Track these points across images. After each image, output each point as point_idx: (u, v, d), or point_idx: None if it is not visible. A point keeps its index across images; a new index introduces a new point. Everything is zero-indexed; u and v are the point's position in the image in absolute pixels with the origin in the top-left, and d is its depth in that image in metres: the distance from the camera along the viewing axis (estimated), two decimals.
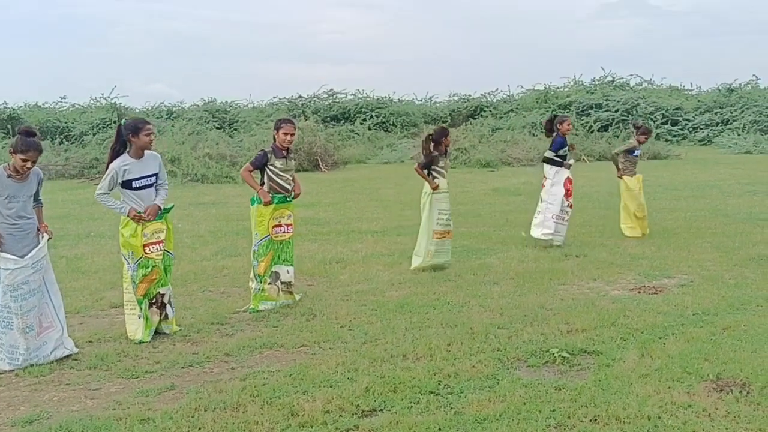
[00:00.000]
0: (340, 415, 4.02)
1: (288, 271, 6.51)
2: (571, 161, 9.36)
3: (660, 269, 7.75)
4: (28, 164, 4.94)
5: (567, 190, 9.17)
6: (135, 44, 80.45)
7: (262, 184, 6.46)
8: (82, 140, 29.50)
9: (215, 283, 7.44)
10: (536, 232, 9.14)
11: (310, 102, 36.90)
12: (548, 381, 4.50)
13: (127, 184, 5.48)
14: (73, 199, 15.79)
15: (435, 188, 7.91)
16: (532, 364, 4.84)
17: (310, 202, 14.87)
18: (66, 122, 33.75)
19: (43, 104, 37.69)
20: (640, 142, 10.08)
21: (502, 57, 75.84)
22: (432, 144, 8.02)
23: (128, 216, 5.45)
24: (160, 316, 5.64)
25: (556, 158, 9.23)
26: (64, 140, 30.02)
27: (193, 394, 4.35)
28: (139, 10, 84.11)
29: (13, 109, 34.29)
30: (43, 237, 5.13)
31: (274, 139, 6.53)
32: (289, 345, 5.32)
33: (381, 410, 4.11)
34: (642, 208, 9.91)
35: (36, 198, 5.23)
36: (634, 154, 10.08)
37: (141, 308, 5.48)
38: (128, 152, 5.54)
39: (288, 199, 6.52)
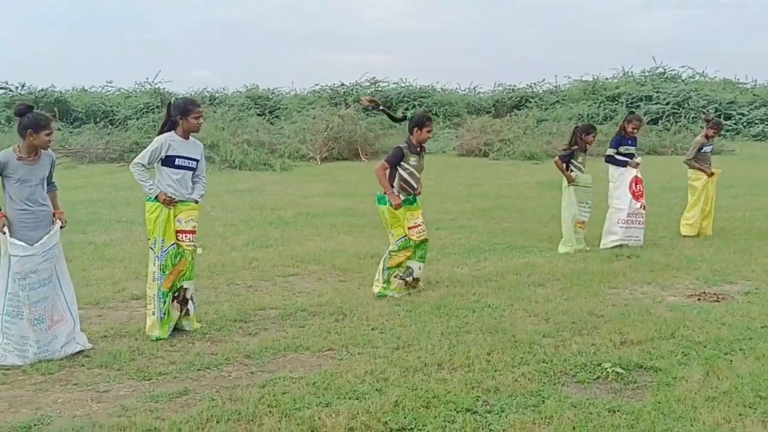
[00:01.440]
0: None
1: (420, 267, 6.54)
2: (638, 159, 8.75)
3: (720, 274, 7.14)
4: (52, 137, 4.71)
5: (635, 193, 8.54)
6: (180, 30, 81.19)
7: (391, 182, 6.35)
8: (126, 124, 29.72)
9: (242, 276, 7.08)
10: (604, 241, 8.57)
11: (352, 90, 36.46)
12: (600, 401, 4.00)
13: (169, 161, 5.19)
14: (110, 183, 15.72)
15: (571, 181, 8.26)
16: (581, 379, 4.34)
17: (347, 192, 14.51)
18: (111, 106, 34.10)
19: (89, 88, 38.14)
20: (708, 137, 9.36)
21: (550, 47, 74.19)
22: (575, 138, 8.39)
23: (157, 199, 5.12)
24: (181, 311, 5.31)
25: (619, 157, 8.61)
26: (108, 124, 30.32)
27: (207, 402, 3.98)
28: None
29: (61, 93, 34.77)
30: (55, 224, 4.80)
31: (410, 135, 6.40)
32: (314, 348, 4.91)
33: (411, 429, 3.67)
34: (708, 202, 9.27)
35: (49, 181, 4.93)
36: (704, 150, 9.38)
37: (164, 302, 5.15)
38: (176, 131, 5.26)
39: (413, 200, 6.47)
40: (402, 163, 6.32)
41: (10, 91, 33.37)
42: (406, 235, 6.37)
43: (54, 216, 4.84)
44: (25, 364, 4.57)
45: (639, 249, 8.36)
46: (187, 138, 5.30)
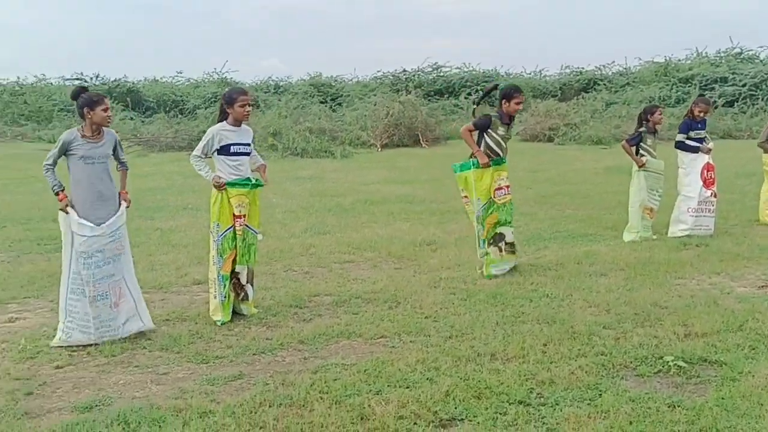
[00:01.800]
0: (415, 423, 3.57)
1: (512, 232, 6.59)
2: (710, 144, 8.37)
3: None
4: (110, 113, 4.85)
5: (706, 180, 8.18)
6: (247, 20, 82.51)
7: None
8: (195, 113, 30.51)
9: (300, 263, 7.16)
10: (672, 229, 8.27)
11: (414, 76, 36.32)
12: (660, 395, 3.86)
13: (225, 150, 5.31)
14: (178, 171, 16.15)
15: (641, 166, 7.97)
16: (641, 373, 4.19)
17: (407, 178, 14.48)
18: (181, 96, 35.04)
19: (160, 78, 39.27)
20: None
21: (619, 28, 71.86)
22: (640, 121, 8.15)
23: (212, 181, 5.24)
24: (239, 296, 5.41)
25: (689, 142, 8.26)
26: (178, 113, 31.19)
27: (260, 386, 4.04)
28: None
29: (133, 83, 35.94)
30: (122, 204, 4.95)
31: (482, 99, 6.91)
32: (367, 335, 4.92)
33: (461, 420, 3.63)
34: None
35: (119, 160, 5.11)
36: None
37: (225, 286, 5.25)
38: (227, 121, 5.38)
39: (502, 160, 6.49)
40: (489, 130, 6.41)
41: (85, 81, 34.68)
42: (490, 198, 6.41)
43: (119, 196, 4.99)
44: (90, 341, 4.74)
45: (708, 238, 8.02)
46: (239, 126, 5.40)
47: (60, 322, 4.81)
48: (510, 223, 6.61)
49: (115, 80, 34.96)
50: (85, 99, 4.82)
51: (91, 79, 34.98)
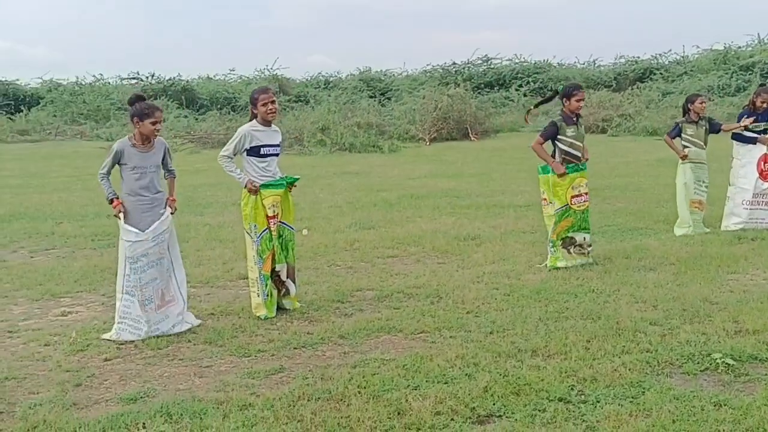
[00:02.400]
0: (452, 419, 3.55)
1: (585, 238, 6.61)
2: None
3: None
4: (158, 126, 4.91)
5: (763, 172, 7.88)
6: (298, 16, 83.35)
7: (553, 154, 6.49)
8: (247, 110, 30.92)
9: (343, 258, 7.21)
10: (725, 223, 8.01)
11: (463, 69, 36.07)
12: (706, 394, 3.74)
13: (254, 151, 5.34)
14: None
15: (683, 158, 7.85)
16: (687, 370, 4.07)
17: (454, 172, 14.41)
18: (233, 93, 35.63)
19: (213, 76, 40.03)
20: None
21: (676, 14, 69.74)
22: (684, 111, 8.03)
23: (245, 187, 5.29)
24: (280, 292, 5.48)
25: (747, 133, 7.96)
26: (230, 110, 31.74)
27: (300, 380, 4.09)
28: None
29: (187, 81, 36.70)
30: (166, 210, 5.06)
31: (540, 103, 6.98)
32: (408, 330, 4.92)
33: (499, 416, 3.59)
34: None
35: (167, 168, 5.19)
36: None
37: (266, 285, 5.32)
38: (257, 120, 5.41)
39: (581, 166, 6.51)
40: (559, 136, 6.42)
41: (142, 80, 35.63)
42: (567, 204, 6.43)
43: (167, 202, 5.10)
44: (139, 338, 4.88)
45: (764, 231, 7.72)
46: (269, 126, 5.40)
47: (115, 321, 4.96)
48: (586, 229, 6.62)
49: (169, 79, 35.78)
50: (137, 109, 4.91)
51: (147, 78, 35.89)
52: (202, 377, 4.24)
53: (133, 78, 36.16)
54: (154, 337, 4.87)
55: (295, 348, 4.67)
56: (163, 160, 5.12)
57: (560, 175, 6.37)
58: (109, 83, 36.95)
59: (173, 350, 4.71)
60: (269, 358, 4.50)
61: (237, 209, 10.39)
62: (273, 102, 5.36)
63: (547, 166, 6.47)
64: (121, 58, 72.11)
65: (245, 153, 5.36)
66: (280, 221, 5.41)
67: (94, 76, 37.78)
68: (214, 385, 4.09)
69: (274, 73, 36.96)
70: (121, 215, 4.90)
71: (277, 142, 5.49)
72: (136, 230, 4.87)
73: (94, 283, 6.40)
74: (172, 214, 5.12)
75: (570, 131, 6.44)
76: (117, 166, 4.98)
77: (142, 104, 4.95)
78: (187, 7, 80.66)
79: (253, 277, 5.37)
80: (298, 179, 5.61)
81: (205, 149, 22.34)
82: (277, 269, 5.42)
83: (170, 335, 4.93)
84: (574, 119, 6.49)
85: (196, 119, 29.70)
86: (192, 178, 14.47)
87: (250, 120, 5.45)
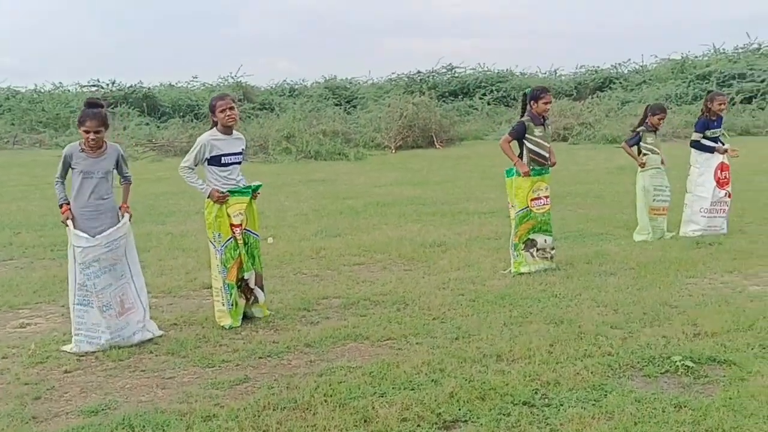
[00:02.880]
0: (418, 425, 3.56)
1: (546, 240, 6.69)
2: (727, 145, 8.24)
3: None
4: (90, 135, 4.74)
5: (720, 180, 8.06)
6: (262, 24, 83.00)
7: (520, 155, 6.60)
8: (210, 118, 30.66)
9: (309, 266, 7.18)
10: (683, 229, 8.17)
11: (428, 77, 36.30)
12: (666, 396, 3.82)
13: (215, 160, 5.27)
14: None
15: (642, 165, 7.94)
16: (648, 373, 4.16)
17: (419, 180, 14.47)
18: (196, 101, 35.22)
19: (176, 83, 39.55)
20: None
21: (635, 25, 71.29)
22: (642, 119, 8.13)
23: (210, 197, 5.23)
24: (248, 300, 5.43)
25: (705, 142, 8.14)
26: (193, 118, 31.37)
27: (265, 390, 4.05)
28: None
29: (149, 89, 36.15)
30: (123, 217, 4.98)
31: (524, 110, 6.71)
32: (374, 337, 4.92)
33: (464, 421, 3.61)
34: None
35: (123, 174, 5.11)
36: None
37: (231, 294, 5.26)
38: (217, 128, 5.33)
39: (545, 170, 6.62)
40: (527, 135, 6.55)
41: (102, 88, 35.01)
42: (527, 207, 6.53)
43: (120, 210, 5.00)
44: (99, 348, 4.78)
45: (722, 236, 7.92)
46: (230, 133, 5.35)
47: (72, 333, 4.86)
48: (547, 231, 6.71)
49: (131, 86, 35.20)
50: (79, 115, 4.81)
51: (108, 85, 35.27)
52: (165, 388, 4.18)
53: (94, 85, 35.50)
54: (115, 348, 4.78)
55: (260, 357, 4.63)
56: (117, 166, 5.01)
57: (524, 174, 6.46)
58: (68, 91, 36.21)
59: (135, 361, 4.63)
60: (233, 368, 4.46)
61: (200, 218, 10.28)
62: (231, 108, 5.28)
63: (511, 169, 6.58)
64: (81, 66, 70.98)
65: (206, 162, 5.29)
66: (245, 229, 5.36)
67: (53, 83, 37.03)
68: (177, 396, 4.03)
69: (238, 80, 36.63)
70: (69, 222, 4.81)
71: (239, 150, 5.43)
72: (86, 236, 4.76)
73: (54, 294, 6.27)
74: (129, 221, 5.01)
75: (537, 131, 6.58)
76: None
77: (83, 111, 4.83)
78: (149, 14, 79.70)
79: (217, 287, 5.31)
80: (261, 186, 5.58)
81: (167, 157, 22.04)
82: (245, 277, 5.37)
83: (131, 346, 4.85)
84: (542, 120, 6.63)
85: (158, 127, 29.28)
86: (154, 187, 14.27)
87: (211, 128, 5.40)
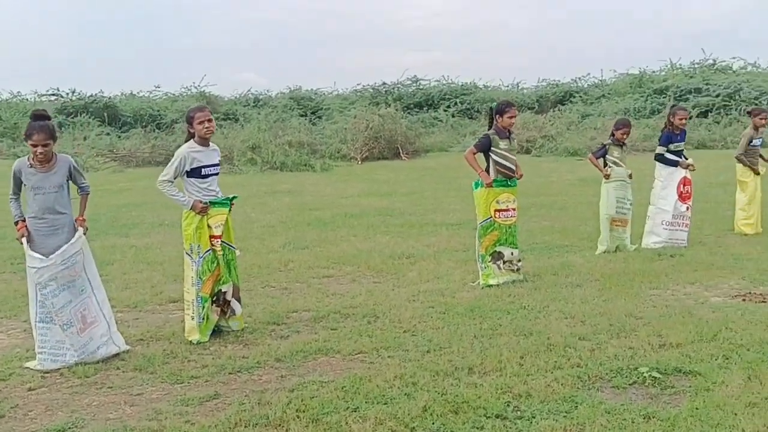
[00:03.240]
0: None
1: (512, 253, 6.75)
2: (691, 160, 8.43)
3: None
4: (38, 149, 4.59)
5: (682, 194, 8.25)
6: (226, 34, 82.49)
7: (487, 168, 6.69)
8: (173, 128, 30.31)
9: (278, 279, 7.13)
10: (645, 241, 8.33)
11: (393, 89, 36.50)
12: (635, 407, 3.88)
13: (196, 172, 5.22)
14: (154, 186, 15.89)
15: (606, 177, 8.03)
16: (617, 384, 4.22)
17: (386, 191, 14.51)
18: (158, 110, 34.80)
19: (138, 93, 39.02)
20: (757, 127, 8.96)
21: (594, 41, 72.86)
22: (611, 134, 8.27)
23: (192, 209, 5.16)
24: (225, 313, 5.36)
25: (669, 156, 8.33)
26: (155, 128, 30.96)
27: (236, 406, 4.00)
28: (230, 0, 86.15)
29: (110, 98, 35.60)
30: (78, 230, 4.84)
31: (492, 123, 6.77)
32: (345, 351, 4.90)
33: None
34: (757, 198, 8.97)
35: (79, 185, 4.97)
36: (753, 144, 9.00)
37: (203, 307, 5.18)
38: (194, 140, 5.29)
39: (511, 182, 6.71)
40: (492, 148, 6.64)
41: (62, 97, 34.38)
42: (490, 217, 6.60)
43: (76, 222, 4.87)
44: (64, 365, 4.66)
45: (683, 248, 8.11)
46: (207, 145, 5.32)
47: (36, 351, 4.74)
48: (512, 243, 6.77)
49: (91, 95, 34.62)
50: (26, 129, 4.65)
51: (68, 94, 34.66)
52: (133, 405, 4.09)
53: (53, 94, 34.85)
54: (81, 364, 4.68)
55: (230, 373, 4.57)
56: (70, 178, 4.85)
57: (488, 185, 6.55)
58: (26, 100, 35.46)
59: (101, 378, 4.54)
60: (203, 385, 4.40)
61: (164, 230, 10.21)
62: (210, 120, 5.26)
63: (478, 181, 6.66)
64: (39, 74, 69.40)
65: (185, 175, 5.23)
66: (222, 241, 5.30)
67: (10, 92, 36.24)
68: (146, 413, 3.96)
69: (202, 90, 36.34)
70: (24, 240, 4.67)
71: (217, 161, 5.41)
72: (40, 256, 4.63)
73: (15, 308, 6.10)
74: (84, 234, 4.87)
75: (503, 144, 6.68)
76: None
77: (32, 125, 4.64)
78: (110, 23, 78.55)
79: (189, 299, 5.23)
80: (236, 198, 5.55)
81: (129, 168, 21.71)
82: (223, 290, 5.31)
83: (98, 362, 4.74)
84: (507, 134, 6.72)
85: (119, 137, 28.83)
86: (116, 198, 14.04)
87: (187, 140, 5.34)
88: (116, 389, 4.34)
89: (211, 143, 5.38)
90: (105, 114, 32.27)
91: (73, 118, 30.98)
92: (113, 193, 15.07)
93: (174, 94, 38.00)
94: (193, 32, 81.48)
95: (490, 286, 6.56)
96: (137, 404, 4.11)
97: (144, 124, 32.25)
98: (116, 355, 4.87)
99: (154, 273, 7.43)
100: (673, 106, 8.74)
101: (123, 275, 7.30)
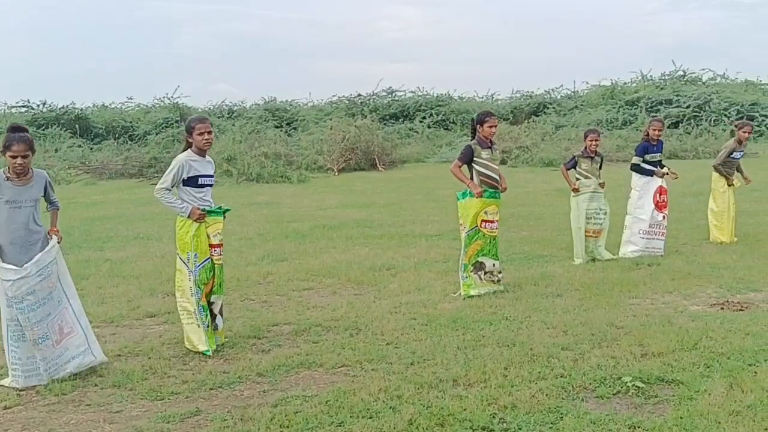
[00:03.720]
0: None
1: (494, 264, 6.75)
2: (665, 169, 8.53)
3: (744, 281, 6.96)
4: (18, 160, 4.51)
5: (658, 203, 8.35)
6: (199, 45, 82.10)
7: (471, 178, 6.72)
8: (146, 139, 30.02)
9: (257, 292, 7.05)
10: (623, 250, 8.40)
11: (369, 100, 36.58)
12: (620, 417, 3.89)
13: (192, 181, 5.17)
14: (128, 198, 15.83)
15: (575, 191, 8.06)
16: (601, 394, 4.22)
17: (364, 203, 14.48)
18: (131, 122, 34.44)
19: (110, 104, 38.57)
20: (741, 141, 9.11)
21: (567, 53, 73.86)
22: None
23: (190, 217, 5.09)
24: (211, 326, 5.27)
25: (645, 165, 8.43)
26: (128, 140, 30.63)
27: (218, 422, 3.93)
28: (203, 11, 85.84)
29: (81, 110, 35.14)
30: (52, 239, 4.74)
31: (475, 133, 6.80)
32: (328, 365, 4.85)
33: None
34: (731, 207, 9.09)
35: (50, 200, 4.93)
36: (734, 156, 9.14)
37: (204, 316, 5.10)
38: (192, 149, 5.25)
39: (497, 194, 6.70)
40: (475, 158, 6.65)
41: (32, 108, 33.85)
42: (476, 226, 6.61)
43: (49, 233, 4.77)
44: (40, 383, 4.55)
45: (659, 257, 8.19)
46: (204, 156, 5.29)
47: (8, 368, 4.62)
48: (494, 255, 6.77)
49: (62, 107, 34.14)
50: (4, 141, 4.55)
51: (38, 106, 34.13)
52: (113, 423, 4.00)
53: (23, 106, 34.26)
54: (58, 381, 4.56)
55: (211, 389, 4.48)
56: (45, 193, 4.79)
57: (477, 195, 6.56)
58: None
59: (79, 395, 4.43)
60: (184, 401, 4.31)
61: (140, 243, 10.06)
62: (210, 132, 5.24)
63: (464, 192, 6.66)
64: (8, 85, 68.36)
65: (181, 183, 5.18)
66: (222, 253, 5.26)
67: None
68: (126, 431, 3.87)
69: (175, 101, 36.05)
70: None
71: (212, 173, 5.38)
72: (15, 267, 4.51)
73: None
74: (58, 242, 4.76)
75: (485, 153, 6.70)
76: None
77: (6, 136, 4.56)
78: (81, 34, 77.76)
79: (190, 310, 5.13)
80: (229, 210, 5.49)
81: (101, 180, 21.42)
82: (212, 300, 5.24)
83: (74, 379, 4.63)
84: (489, 144, 6.74)
85: (91, 149, 28.48)
86: (89, 211, 13.82)
87: (185, 149, 5.29)
88: (94, 406, 4.24)
89: (206, 155, 5.34)
90: (77, 126, 31.86)
91: (44, 130, 30.53)
92: (86, 206, 14.84)
93: (147, 106, 37.62)
94: (166, 43, 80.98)
95: (471, 296, 6.56)
96: (116, 422, 4.01)
97: (116, 135, 31.91)
98: (93, 370, 4.76)
99: (130, 287, 7.30)
100: (654, 116, 8.89)
101: (98, 289, 7.16)
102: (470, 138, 6.96)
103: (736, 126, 9.51)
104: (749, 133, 9.12)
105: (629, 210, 8.52)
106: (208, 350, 5.08)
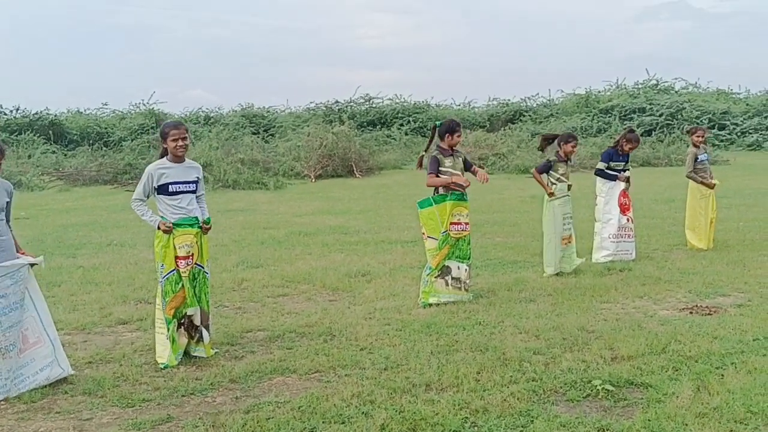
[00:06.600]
0: None
1: (459, 267, 6.71)
2: (628, 173, 8.63)
3: (713, 286, 7.09)
4: None
5: (622, 206, 8.47)
6: (176, 51, 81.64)
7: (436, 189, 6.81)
8: (121, 146, 29.76)
9: (231, 298, 7.02)
10: (596, 256, 8.49)
11: (346, 107, 36.66)
12: (590, 420, 3.94)
13: (163, 189, 5.10)
14: (102, 205, 15.67)
15: (551, 195, 7.89)
16: (571, 398, 4.28)
17: (341, 209, 14.49)
18: (106, 128, 34.16)
19: (85, 110, 38.21)
20: (696, 145, 9.29)
21: (542, 61, 74.69)
22: (546, 146, 8.21)
23: (158, 228, 5.05)
24: (193, 338, 5.21)
25: (609, 171, 8.55)
26: (103, 146, 30.34)
27: (190, 429, 3.91)
28: (179, 17, 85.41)
29: (55, 116, 34.77)
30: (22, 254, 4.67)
31: (432, 140, 7.00)
32: (302, 371, 4.85)
33: None
34: (711, 212, 9.20)
35: (7, 215, 4.69)
36: (700, 160, 9.29)
37: (168, 329, 5.05)
38: (167, 157, 5.20)
39: (464, 196, 6.74)
40: (440, 168, 6.74)
41: (5, 114, 33.42)
42: (446, 231, 6.60)
43: (18, 254, 4.67)
44: (5, 395, 4.43)
45: (631, 262, 8.31)
46: (181, 161, 5.22)
47: None
48: (461, 257, 6.71)
49: (36, 113, 33.77)
50: None
51: (11, 111, 33.72)
52: (83, 431, 3.96)
53: None
54: (27, 390, 4.49)
55: (183, 395, 4.46)
56: (7, 205, 4.64)
57: (464, 188, 6.66)
58: None
59: (49, 403, 4.38)
60: (155, 408, 4.28)
61: (113, 250, 9.99)
62: (184, 138, 5.15)
63: (425, 201, 6.68)
64: None
65: (155, 192, 5.13)
66: (195, 264, 5.18)
67: None
68: None
69: (151, 107, 35.83)
70: None
71: (193, 179, 5.25)
72: None
73: None
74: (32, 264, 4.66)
75: (447, 162, 6.74)
76: None
77: None
78: (56, 39, 76.91)
79: (160, 317, 5.10)
80: (209, 220, 5.39)
81: (75, 187, 21.17)
82: (189, 313, 5.16)
83: (44, 387, 4.57)
84: (451, 152, 6.80)
85: (65, 155, 28.17)
86: (62, 218, 13.64)
87: (161, 156, 5.25)
88: (64, 414, 4.19)
89: (188, 160, 5.28)
90: (50, 132, 31.54)
91: (17, 135, 30.15)
92: (59, 212, 14.65)
93: (122, 112, 37.36)
94: (141, 49, 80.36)
95: (429, 305, 6.49)
96: (87, 429, 3.97)
97: (91, 141, 31.64)
98: (63, 378, 4.71)
99: (103, 294, 7.23)
100: (631, 131, 8.85)
101: (70, 297, 7.09)
102: (427, 144, 7.10)
103: (687, 133, 9.71)
104: (702, 136, 9.29)
105: (597, 217, 8.62)
106: (165, 364, 4.99)
